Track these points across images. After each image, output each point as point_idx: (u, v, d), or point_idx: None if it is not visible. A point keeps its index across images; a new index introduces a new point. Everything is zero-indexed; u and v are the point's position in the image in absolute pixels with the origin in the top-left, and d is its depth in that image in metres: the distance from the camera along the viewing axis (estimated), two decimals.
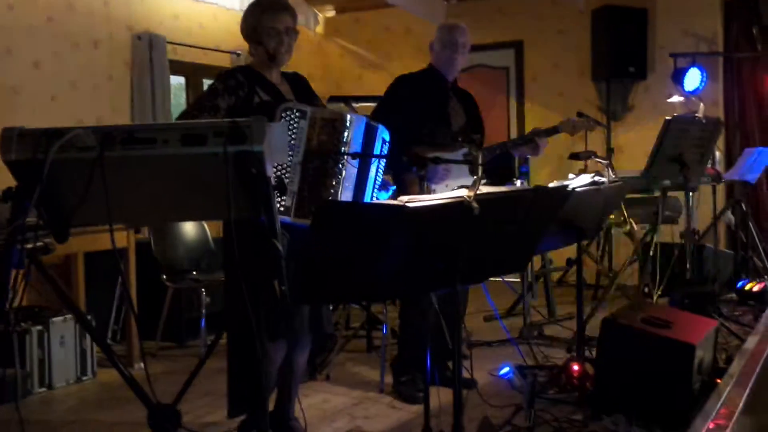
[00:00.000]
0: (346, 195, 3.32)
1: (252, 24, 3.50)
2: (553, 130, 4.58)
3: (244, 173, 2.31)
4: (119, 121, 6.88)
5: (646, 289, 5.83)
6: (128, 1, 7.05)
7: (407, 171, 4.15)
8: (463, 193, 2.61)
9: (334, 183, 3.27)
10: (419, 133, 3.97)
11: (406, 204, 2.45)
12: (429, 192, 4.10)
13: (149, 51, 7.06)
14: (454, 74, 4.61)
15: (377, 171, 3.44)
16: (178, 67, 7.53)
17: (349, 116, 3.28)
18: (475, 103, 4.75)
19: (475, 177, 4.25)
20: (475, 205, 2.57)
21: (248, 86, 3.41)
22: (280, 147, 2.48)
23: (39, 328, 4.83)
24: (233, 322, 3.44)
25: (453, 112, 4.54)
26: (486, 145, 4.54)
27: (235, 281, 3.38)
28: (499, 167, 4.59)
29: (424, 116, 4.38)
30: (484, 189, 2.70)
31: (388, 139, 3.45)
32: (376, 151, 3.38)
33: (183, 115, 3.39)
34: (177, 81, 7.80)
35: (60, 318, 4.94)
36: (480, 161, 2.82)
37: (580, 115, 6.81)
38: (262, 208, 2.36)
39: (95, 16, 6.76)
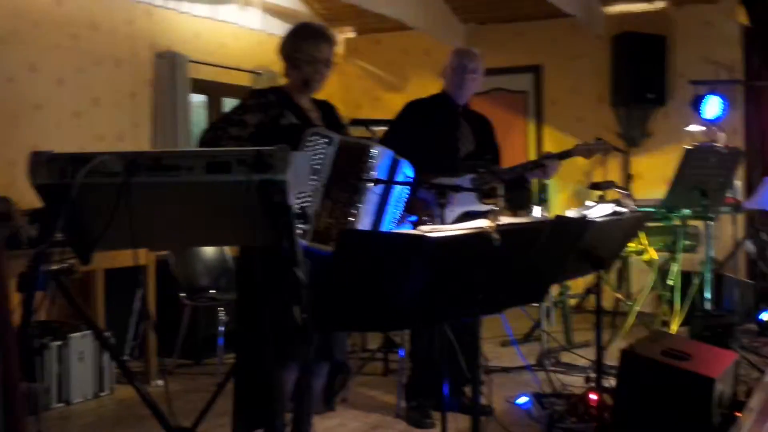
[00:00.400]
0: (365, 222, 3.33)
1: (293, 47, 3.54)
2: (566, 154, 4.57)
3: (267, 201, 2.32)
4: (140, 138, 6.95)
5: (665, 319, 5.80)
6: (151, 20, 7.12)
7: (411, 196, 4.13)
8: (484, 223, 2.62)
9: (353, 211, 3.29)
10: (425, 159, 3.96)
11: (427, 234, 2.46)
12: (434, 218, 4.10)
13: (171, 69, 7.12)
14: (465, 99, 4.63)
15: (397, 203, 3.44)
16: (199, 86, 7.59)
17: (376, 149, 3.30)
18: (491, 128, 4.75)
19: (491, 204, 4.28)
20: (496, 236, 2.57)
21: (278, 107, 3.44)
22: (302, 176, 2.50)
23: (58, 343, 4.87)
24: (243, 343, 3.45)
25: (462, 137, 4.55)
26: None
27: (246, 304, 3.41)
28: (511, 191, 4.57)
29: (432, 142, 4.38)
30: (504, 219, 2.70)
31: (411, 175, 3.46)
32: (396, 183, 3.39)
33: (211, 128, 3.44)
34: (198, 99, 7.86)
35: (79, 334, 4.97)
36: (501, 193, 2.83)
37: (598, 140, 6.84)
38: (284, 236, 2.37)
39: (118, 35, 6.83)
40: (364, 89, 9.20)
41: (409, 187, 3.48)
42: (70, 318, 5.06)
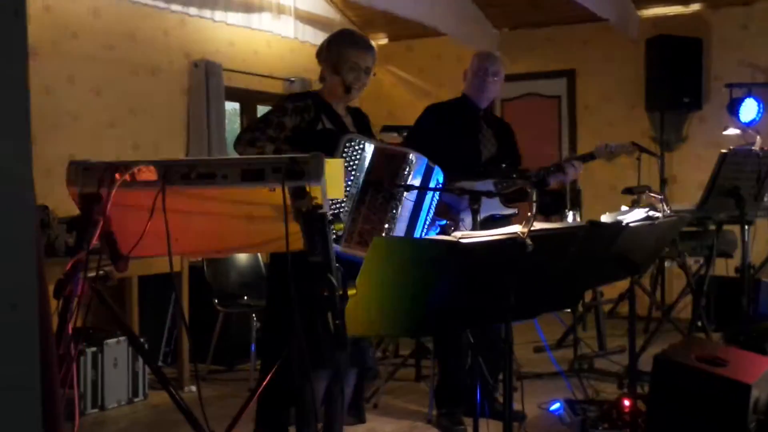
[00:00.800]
0: (399, 228, 3.34)
1: (336, 52, 3.55)
2: (588, 156, 4.54)
3: (301, 208, 2.34)
4: (175, 146, 7.03)
5: (700, 324, 5.74)
6: (186, 30, 7.19)
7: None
8: (517, 228, 2.62)
9: (388, 217, 3.30)
10: (448, 163, 3.96)
11: (460, 240, 2.46)
12: (457, 221, 4.10)
13: (205, 78, 7.19)
14: (486, 102, 4.63)
15: (429, 208, 3.46)
16: (233, 94, 7.66)
17: (412, 155, 3.32)
18: (511, 132, 4.74)
19: (515, 208, 4.26)
20: (528, 241, 2.57)
21: (315, 111, 3.46)
22: (336, 182, 2.51)
23: (93, 349, 4.93)
24: (270, 350, 3.46)
25: (484, 140, 4.54)
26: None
27: (276, 310, 3.43)
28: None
29: (453, 145, 4.37)
30: (538, 225, 2.70)
31: (441, 181, 3.47)
32: (430, 193, 3.40)
33: (249, 129, 3.47)
34: (232, 107, 7.93)
35: (114, 340, 5.03)
36: (534, 198, 2.83)
37: (634, 145, 6.79)
38: (318, 242, 2.39)
39: (155, 45, 6.91)
40: (396, 96, 9.22)
41: (438, 194, 3.49)
42: (105, 324, 5.12)
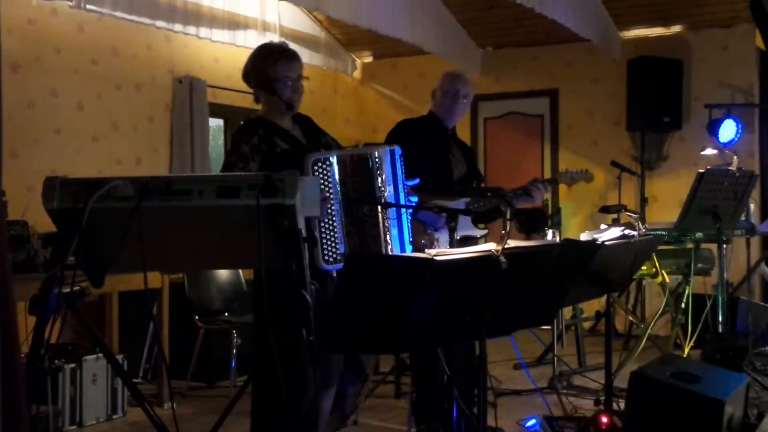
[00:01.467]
0: (393, 234, 3.36)
1: (264, 73, 3.46)
2: (552, 181, 4.58)
3: (276, 225, 2.37)
4: (158, 162, 7.03)
5: (678, 341, 5.79)
6: (170, 46, 7.22)
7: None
8: (491, 246, 2.65)
9: (380, 225, 3.32)
10: (421, 180, 3.97)
11: (434, 257, 2.49)
12: (432, 240, 4.12)
13: (189, 94, 7.22)
14: (453, 123, 4.63)
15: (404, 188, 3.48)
16: (217, 110, 7.69)
17: (376, 152, 3.33)
18: (474, 155, 4.76)
19: (487, 229, 4.29)
20: (503, 259, 2.60)
21: (267, 138, 3.40)
22: (311, 200, 2.54)
23: (72, 366, 4.90)
24: (260, 366, 3.46)
25: (454, 160, 4.55)
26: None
27: (262, 327, 3.43)
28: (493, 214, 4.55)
29: (426, 163, 4.37)
30: (511, 243, 2.73)
31: (400, 153, 3.47)
32: (400, 174, 3.41)
33: None
34: (216, 123, 7.95)
35: (92, 356, 5.01)
36: (509, 216, 2.86)
37: (613, 164, 6.86)
38: (292, 259, 2.41)
39: (138, 60, 6.93)
40: (381, 113, 9.27)
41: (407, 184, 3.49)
42: (84, 341, 5.11)
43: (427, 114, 4.66)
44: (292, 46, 8.02)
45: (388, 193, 3.36)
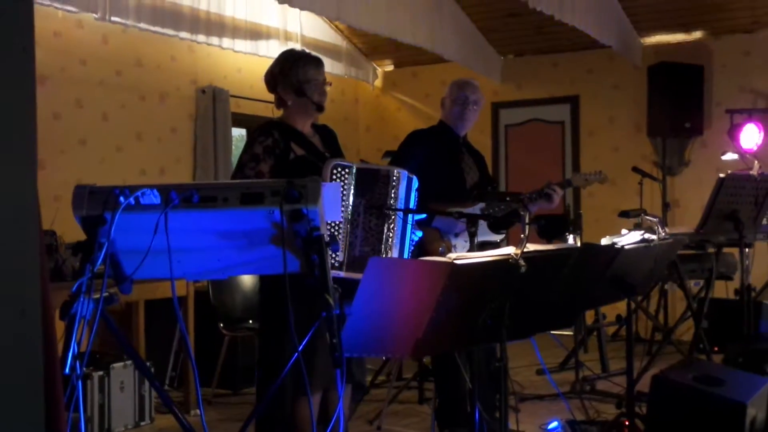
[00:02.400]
0: (395, 247, 3.41)
1: (296, 75, 3.53)
2: (566, 183, 4.61)
3: (299, 231, 2.42)
4: (182, 172, 7.12)
5: (701, 346, 5.78)
6: (194, 57, 7.31)
7: (426, 225, 4.17)
8: (511, 250, 2.68)
9: (385, 236, 3.37)
10: (435, 189, 4.01)
11: (455, 261, 2.53)
12: (449, 246, 4.16)
13: (212, 104, 7.31)
14: (465, 130, 4.66)
15: (412, 222, 3.52)
16: (240, 120, 7.77)
17: (396, 172, 3.38)
18: (485, 161, 4.80)
19: (504, 234, 4.32)
20: (522, 262, 2.64)
21: (283, 143, 3.46)
22: (333, 205, 2.59)
23: (100, 373, 4.98)
24: (267, 372, 3.49)
25: (467, 168, 4.59)
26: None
27: (271, 333, 3.48)
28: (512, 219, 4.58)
29: (439, 171, 4.41)
30: (530, 246, 2.76)
31: (416, 186, 3.52)
32: (413, 202, 3.46)
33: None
34: (238, 133, 8.03)
35: (120, 364, 5.08)
36: (527, 221, 2.89)
37: (635, 170, 6.86)
38: (315, 263, 2.46)
39: (162, 71, 7.03)
40: (402, 122, 9.32)
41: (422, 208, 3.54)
42: (111, 349, 5.18)
43: (437, 123, 4.71)
44: None
45: (399, 217, 3.41)
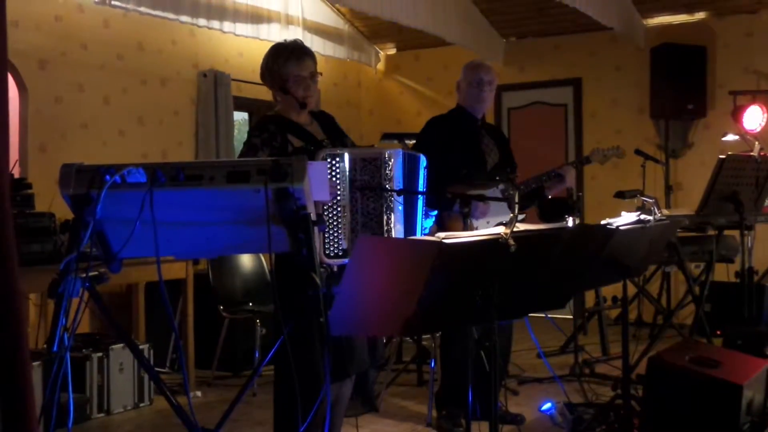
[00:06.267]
0: (397, 229, 3.39)
1: (276, 73, 3.49)
2: (585, 160, 4.63)
3: (285, 209, 2.41)
4: (184, 155, 7.13)
5: (702, 329, 5.77)
6: (195, 40, 7.30)
7: (448, 209, 4.22)
8: (500, 230, 2.67)
9: (385, 220, 3.35)
10: (457, 173, 4.04)
11: (443, 240, 2.52)
12: (471, 228, 4.16)
13: (214, 88, 7.30)
14: (483, 111, 4.70)
15: (422, 204, 3.51)
16: (241, 103, 7.76)
17: (387, 152, 3.36)
18: (506, 138, 4.82)
19: (525, 214, 4.33)
20: (511, 242, 2.62)
21: (280, 135, 3.44)
22: (320, 185, 2.58)
23: (99, 354, 5.00)
24: (282, 355, 3.50)
25: (487, 150, 4.62)
26: (520, 180, 4.60)
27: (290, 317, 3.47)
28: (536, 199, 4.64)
29: (460, 156, 4.44)
30: (521, 226, 2.75)
31: (425, 165, 3.50)
32: (421, 180, 3.45)
33: None
34: (240, 116, 8.03)
35: (119, 345, 5.09)
36: (517, 200, 2.88)
37: (637, 152, 6.83)
38: (302, 242, 2.46)
39: (163, 55, 7.02)
40: (404, 104, 9.30)
41: (427, 185, 3.52)
42: (111, 330, 5.20)
43: (455, 108, 4.72)
44: (316, 38, 8.14)
45: (399, 201, 3.39)
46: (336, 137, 3.58)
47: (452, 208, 4.27)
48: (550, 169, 4.62)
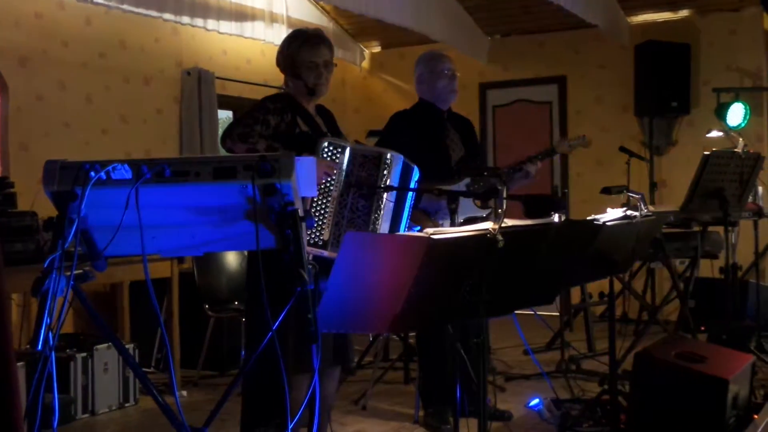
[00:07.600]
0: (383, 229, 3.38)
1: (290, 57, 3.56)
2: (550, 152, 4.57)
3: (273, 206, 2.39)
4: (168, 154, 7.08)
5: (687, 324, 5.79)
6: (178, 38, 7.26)
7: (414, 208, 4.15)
8: (488, 225, 2.66)
9: (372, 218, 3.34)
10: (421, 169, 3.99)
11: (431, 236, 2.51)
12: (437, 227, 4.13)
13: (198, 86, 7.26)
14: (449, 103, 4.61)
15: (410, 208, 3.50)
16: (226, 102, 7.73)
17: (389, 155, 3.36)
18: (473, 127, 4.73)
19: (491, 209, 4.31)
20: (499, 237, 2.62)
21: (291, 113, 3.48)
22: (308, 181, 2.56)
23: (83, 354, 4.96)
24: (253, 351, 3.49)
25: (451, 144, 4.54)
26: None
27: (256, 311, 3.46)
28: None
29: (424, 152, 4.37)
30: (509, 222, 2.75)
31: (417, 178, 3.51)
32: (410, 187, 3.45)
33: (236, 124, 3.46)
34: (225, 115, 7.98)
35: (104, 345, 5.06)
36: (505, 195, 2.87)
37: (622, 149, 6.85)
38: (290, 239, 2.43)
39: (146, 53, 6.98)
40: (389, 103, 9.26)
41: (415, 194, 3.52)
42: (95, 330, 5.16)
43: (417, 103, 4.64)
44: None
45: (390, 199, 3.38)
46: (335, 134, 3.59)
47: (417, 207, 4.19)
48: (513, 163, 4.49)
